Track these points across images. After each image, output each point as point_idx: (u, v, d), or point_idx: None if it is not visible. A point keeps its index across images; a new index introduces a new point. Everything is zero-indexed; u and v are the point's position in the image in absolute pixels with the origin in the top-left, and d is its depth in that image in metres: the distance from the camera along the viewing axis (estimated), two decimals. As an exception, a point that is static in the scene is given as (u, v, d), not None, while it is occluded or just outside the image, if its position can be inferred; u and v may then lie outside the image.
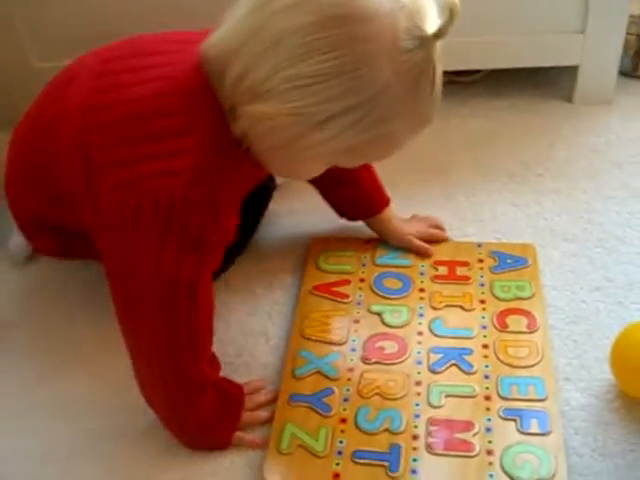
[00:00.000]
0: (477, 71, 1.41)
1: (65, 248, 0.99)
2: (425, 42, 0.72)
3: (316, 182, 1.07)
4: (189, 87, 0.78)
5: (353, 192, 1.06)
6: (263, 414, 0.88)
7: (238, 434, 0.86)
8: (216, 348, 0.90)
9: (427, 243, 1.07)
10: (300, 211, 1.17)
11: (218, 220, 0.80)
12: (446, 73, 1.37)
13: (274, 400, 0.89)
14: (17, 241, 1.09)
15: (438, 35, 0.72)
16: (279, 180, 1.12)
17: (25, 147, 0.92)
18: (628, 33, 1.35)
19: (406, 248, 1.07)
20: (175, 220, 0.76)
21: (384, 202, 1.07)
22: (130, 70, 0.84)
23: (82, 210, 0.84)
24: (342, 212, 1.10)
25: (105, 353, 0.96)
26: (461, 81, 1.42)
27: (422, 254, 1.06)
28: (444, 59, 1.27)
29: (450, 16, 0.70)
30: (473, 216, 1.14)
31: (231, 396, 0.88)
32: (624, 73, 1.41)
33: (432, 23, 0.72)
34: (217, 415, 0.85)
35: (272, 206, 1.14)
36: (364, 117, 0.73)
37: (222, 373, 0.91)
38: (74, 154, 0.82)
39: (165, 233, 0.76)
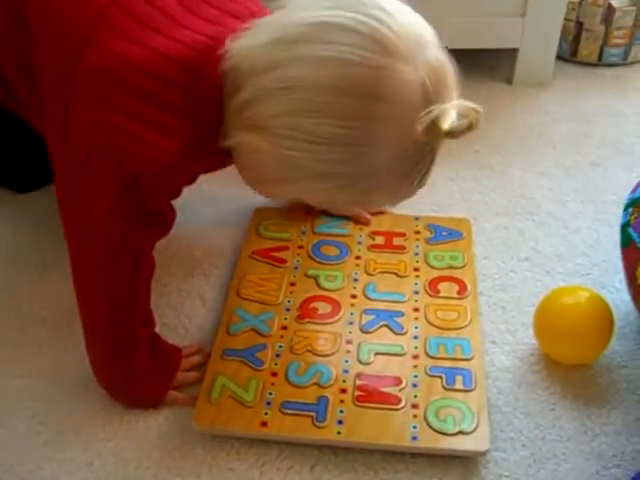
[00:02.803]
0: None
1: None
2: (435, 137, 0.69)
3: None
4: (203, 74, 0.74)
5: None
6: (195, 374, 0.89)
7: (172, 393, 0.87)
8: (154, 309, 0.90)
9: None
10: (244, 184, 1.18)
11: (173, 200, 0.82)
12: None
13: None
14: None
15: (449, 135, 0.68)
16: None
17: None
18: (566, 19, 1.40)
19: (344, 215, 1.09)
20: (134, 191, 0.76)
21: None
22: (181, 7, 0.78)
23: (50, 119, 0.79)
24: None
25: (42, 310, 0.97)
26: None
27: (360, 221, 1.08)
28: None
29: (468, 126, 0.68)
30: (410, 189, 1.17)
31: (168, 357, 0.89)
32: (562, 58, 1.46)
33: (448, 122, 0.67)
34: (150, 374, 0.86)
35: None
36: (352, 184, 0.72)
37: (159, 334, 0.93)
38: (73, 45, 0.75)
39: (120, 199, 0.76)
